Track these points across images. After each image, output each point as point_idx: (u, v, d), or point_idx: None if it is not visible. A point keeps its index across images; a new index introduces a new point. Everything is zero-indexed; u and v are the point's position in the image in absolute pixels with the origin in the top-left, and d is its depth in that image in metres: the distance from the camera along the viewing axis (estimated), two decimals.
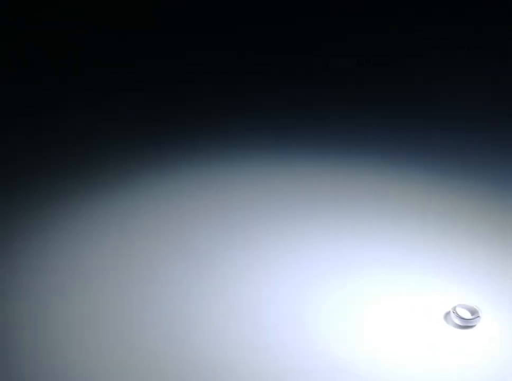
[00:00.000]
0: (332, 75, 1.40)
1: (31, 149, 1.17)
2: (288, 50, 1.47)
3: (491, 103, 1.34)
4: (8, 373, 0.84)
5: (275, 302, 0.93)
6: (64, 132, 1.22)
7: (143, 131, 1.23)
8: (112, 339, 0.88)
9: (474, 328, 0.91)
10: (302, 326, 0.90)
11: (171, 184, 1.12)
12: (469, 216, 1.07)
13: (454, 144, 1.22)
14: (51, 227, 1.03)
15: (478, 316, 0.91)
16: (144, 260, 0.98)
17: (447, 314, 0.92)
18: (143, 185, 1.11)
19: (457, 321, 0.91)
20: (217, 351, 0.87)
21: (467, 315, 0.91)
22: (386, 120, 1.27)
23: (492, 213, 1.07)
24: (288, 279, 0.96)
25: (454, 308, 0.91)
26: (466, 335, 0.90)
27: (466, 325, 0.91)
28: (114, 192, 1.10)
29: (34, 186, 1.10)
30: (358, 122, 1.27)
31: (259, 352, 0.87)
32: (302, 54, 1.46)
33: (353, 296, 0.94)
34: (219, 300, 0.93)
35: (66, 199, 1.08)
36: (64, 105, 1.28)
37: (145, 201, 1.08)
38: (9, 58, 1.37)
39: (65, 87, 1.32)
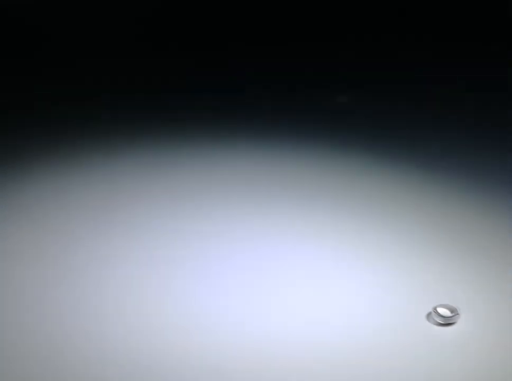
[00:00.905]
0: None
1: None
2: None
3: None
4: None
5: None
6: None
7: None
8: None
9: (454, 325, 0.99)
10: None
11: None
12: (444, 211, 1.17)
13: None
14: None
15: (458, 314, 0.99)
16: None
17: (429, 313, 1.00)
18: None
19: (438, 319, 0.98)
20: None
21: (447, 313, 0.99)
22: None
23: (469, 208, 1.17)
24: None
25: (435, 308, 0.99)
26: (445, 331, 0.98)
27: (446, 322, 0.99)
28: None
29: None
30: None
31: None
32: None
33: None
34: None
35: None
36: None
37: None
38: None
39: None
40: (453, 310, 0.99)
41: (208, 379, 0.90)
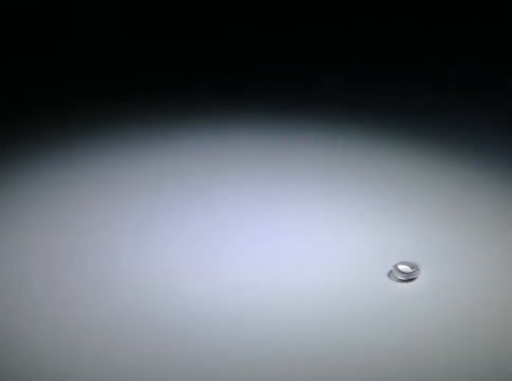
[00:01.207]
0: None
1: None
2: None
3: None
4: None
5: None
6: None
7: None
8: None
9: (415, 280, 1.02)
10: None
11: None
12: (406, 175, 1.22)
13: None
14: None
15: (418, 269, 1.02)
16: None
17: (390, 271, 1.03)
18: None
19: (400, 276, 1.02)
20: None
21: (407, 269, 1.02)
22: None
23: (428, 171, 1.23)
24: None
25: (395, 265, 1.02)
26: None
27: (408, 278, 1.02)
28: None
29: None
30: None
31: None
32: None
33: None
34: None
35: None
36: None
37: None
38: None
39: None
40: (413, 266, 1.03)
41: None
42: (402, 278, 1.02)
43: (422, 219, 1.13)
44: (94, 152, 1.32)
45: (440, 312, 0.98)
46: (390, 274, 1.03)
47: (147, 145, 1.33)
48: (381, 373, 0.91)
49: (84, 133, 1.37)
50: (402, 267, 1.03)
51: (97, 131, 1.37)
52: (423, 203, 1.16)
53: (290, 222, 1.14)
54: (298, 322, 0.98)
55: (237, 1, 1.76)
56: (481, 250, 1.07)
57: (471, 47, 1.62)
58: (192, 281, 1.04)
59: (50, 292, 1.02)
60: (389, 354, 0.93)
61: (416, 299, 1.01)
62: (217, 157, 1.30)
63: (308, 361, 0.93)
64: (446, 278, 1.02)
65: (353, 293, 1.01)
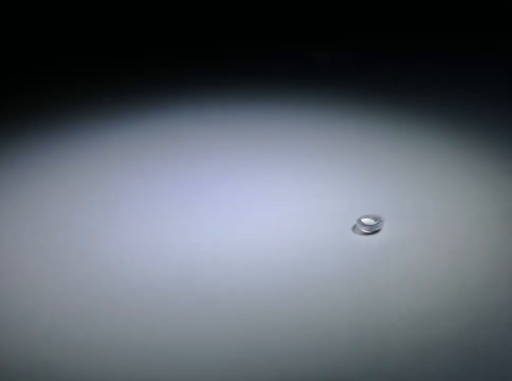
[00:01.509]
0: None
1: None
2: None
3: None
4: None
5: None
6: None
7: None
8: None
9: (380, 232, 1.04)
10: None
11: None
12: (366, 132, 1.24)
13: None
14: None
15: (382, 221, 1.04)
16: None
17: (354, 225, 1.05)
18: None
19: (364, 229, 1.03)
20: None
21: (371, 222, 1.04)
22: None
23: (392, 128, 1.25)
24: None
25: (359, 219, 1.04)
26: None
27: (372, 230, 1.03)
28: None
29: None
30: None
31: None
32: None
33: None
34: None
35: None
36: None
37: None
38: None
39: None
40: (376, 218, 1.04)
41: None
42: (367, 231, 1.04)
43: (384, 174, 1.15)
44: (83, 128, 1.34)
45: (405, 263, 1.00)
46: (354, 228, 1.05)
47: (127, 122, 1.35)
48: (346, 324, 0.93)
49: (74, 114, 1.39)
50: (366, 220, 1.04)
51: (90, 112, 1.39)
52: (383, 159, 1.18)
53: (261, 185, 1.16)
54: (268, 277, 0.99)
55: None
56: (441, 200, 1.09)
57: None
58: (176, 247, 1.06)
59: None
60: (356, 306, 0.95)
61: (381, 250, 1.02)
62: (201, 132, 1.32)
63: (278, 312, 0.95)
64: (409, 229, 1.04)
65: (319, 249, 1.03)
